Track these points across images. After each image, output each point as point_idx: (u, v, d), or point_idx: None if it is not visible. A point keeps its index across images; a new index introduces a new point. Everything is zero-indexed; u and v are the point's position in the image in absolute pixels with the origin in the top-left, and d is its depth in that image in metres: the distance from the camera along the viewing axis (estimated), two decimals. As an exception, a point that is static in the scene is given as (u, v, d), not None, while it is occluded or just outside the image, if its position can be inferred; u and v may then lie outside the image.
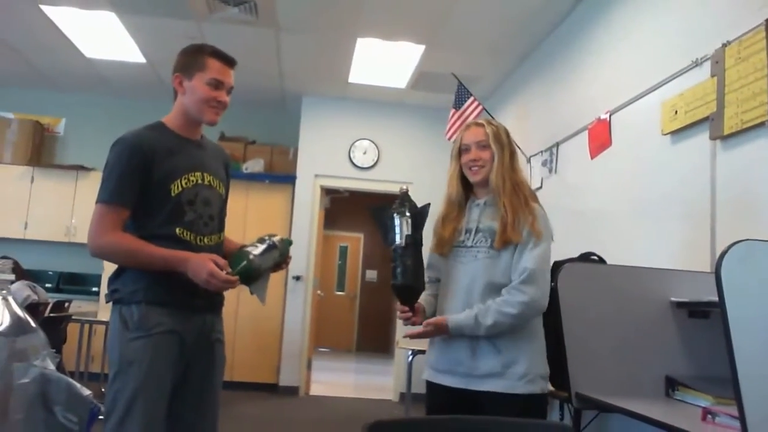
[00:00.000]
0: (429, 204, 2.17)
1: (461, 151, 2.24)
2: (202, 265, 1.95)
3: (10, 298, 0.67)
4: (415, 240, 2.12)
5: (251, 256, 2.08)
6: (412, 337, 2.19)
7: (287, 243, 2.25)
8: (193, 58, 2.14)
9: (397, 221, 2.12)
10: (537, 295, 2.05)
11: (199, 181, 2.13)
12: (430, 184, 6.51)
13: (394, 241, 2.11)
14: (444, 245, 2.22)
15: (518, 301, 2.03)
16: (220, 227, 2.23)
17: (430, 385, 2.22)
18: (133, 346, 1.97)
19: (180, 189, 2.07)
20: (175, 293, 2.02)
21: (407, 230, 2.11)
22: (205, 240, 2.12)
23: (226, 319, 2.29)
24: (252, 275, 2.08)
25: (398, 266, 2.10)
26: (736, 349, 1.39)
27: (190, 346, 2.07)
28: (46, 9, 4.97)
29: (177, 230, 2.06)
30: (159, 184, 2.04)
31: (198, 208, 2.11)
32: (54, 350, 0.67)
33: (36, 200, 6.80)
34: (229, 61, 2.16)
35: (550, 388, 2.25)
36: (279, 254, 2.19)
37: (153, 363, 1.96)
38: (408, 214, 2.12)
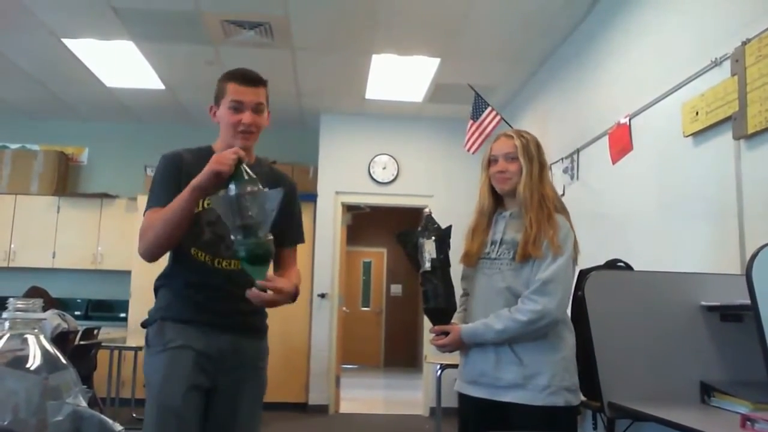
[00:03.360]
0: (450, 226, 2.23)
1: (490, 161, 2.25)
2: (215, 159, 1.79)
3: (42, 336, 0.68)
4: (441, 263, 2.16)
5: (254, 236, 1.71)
6: (440, 348, 2.22)
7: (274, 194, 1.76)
8: (218, 87, 2.11)
9: (422, 246, 2.17)
10: (549, 306, 2.03)
11: None
12: (450, 196, 6.56)
13: (422, 265, 2.16)
14: (471, 257, 2.23)
15: (528, 309, 2.03)
16: None
17: (459, 395, 2.24)
18: (152, 362, 1.98)
19: (200, 208, 1.99)
20: (193, 310, 2.00)
21: (433, 254, 2.15)
22: (224, 263, 2.03)
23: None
24: (260, 253, 1.75)
25: (429, 290, 2.16)
26: (772, 352, 1.36)
27: (215, 365, 1.98)
28: (68, 42, 5.09)
29: (192, 250, 2.00)
30: None
31: (219, 229, 1.98)
32: (85, 386, 0.67)
33: (63, 229, 6.91)
34: (246, 80, 2.08)
35: (582, 398, 2.22)
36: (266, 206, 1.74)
37: (166, 375, 1.93)
38: (433, 237, 2.16)
